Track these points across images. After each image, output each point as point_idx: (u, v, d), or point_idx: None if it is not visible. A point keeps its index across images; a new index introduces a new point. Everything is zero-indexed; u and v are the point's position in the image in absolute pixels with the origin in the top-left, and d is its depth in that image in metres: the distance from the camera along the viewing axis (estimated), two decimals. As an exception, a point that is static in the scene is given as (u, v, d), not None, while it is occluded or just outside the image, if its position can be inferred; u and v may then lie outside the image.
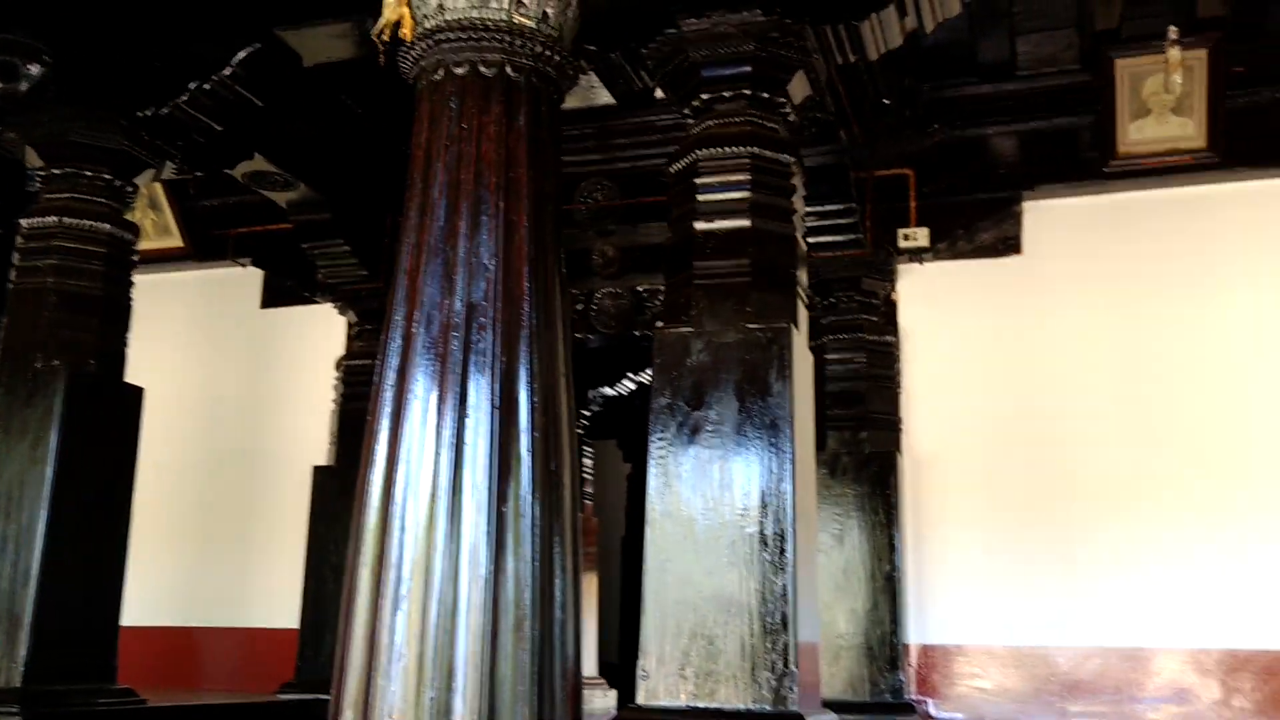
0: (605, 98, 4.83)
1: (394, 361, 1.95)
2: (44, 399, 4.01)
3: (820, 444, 4.99)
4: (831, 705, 3.73)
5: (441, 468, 1.85)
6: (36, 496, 3.93)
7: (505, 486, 1.85)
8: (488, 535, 1.82)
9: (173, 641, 6.12)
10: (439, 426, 1.87)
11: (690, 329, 3.55)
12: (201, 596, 6.25)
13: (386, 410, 1.93)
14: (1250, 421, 5.09)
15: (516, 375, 1.92)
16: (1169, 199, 5.41)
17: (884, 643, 5.09)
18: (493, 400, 1.88)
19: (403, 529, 1.84)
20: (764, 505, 3.35)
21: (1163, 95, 5.18)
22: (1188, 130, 5.19)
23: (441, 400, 1.88)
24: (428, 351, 1.92)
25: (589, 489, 7.67)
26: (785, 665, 3.21)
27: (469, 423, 1.87)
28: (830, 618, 5.02)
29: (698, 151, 3.65)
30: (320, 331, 6.35)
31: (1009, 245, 5.56)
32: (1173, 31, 4.69)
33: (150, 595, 5.78)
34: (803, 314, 3.72)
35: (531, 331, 1.95)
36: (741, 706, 3.20)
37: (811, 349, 3.90)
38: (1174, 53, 4.68)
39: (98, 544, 4.12)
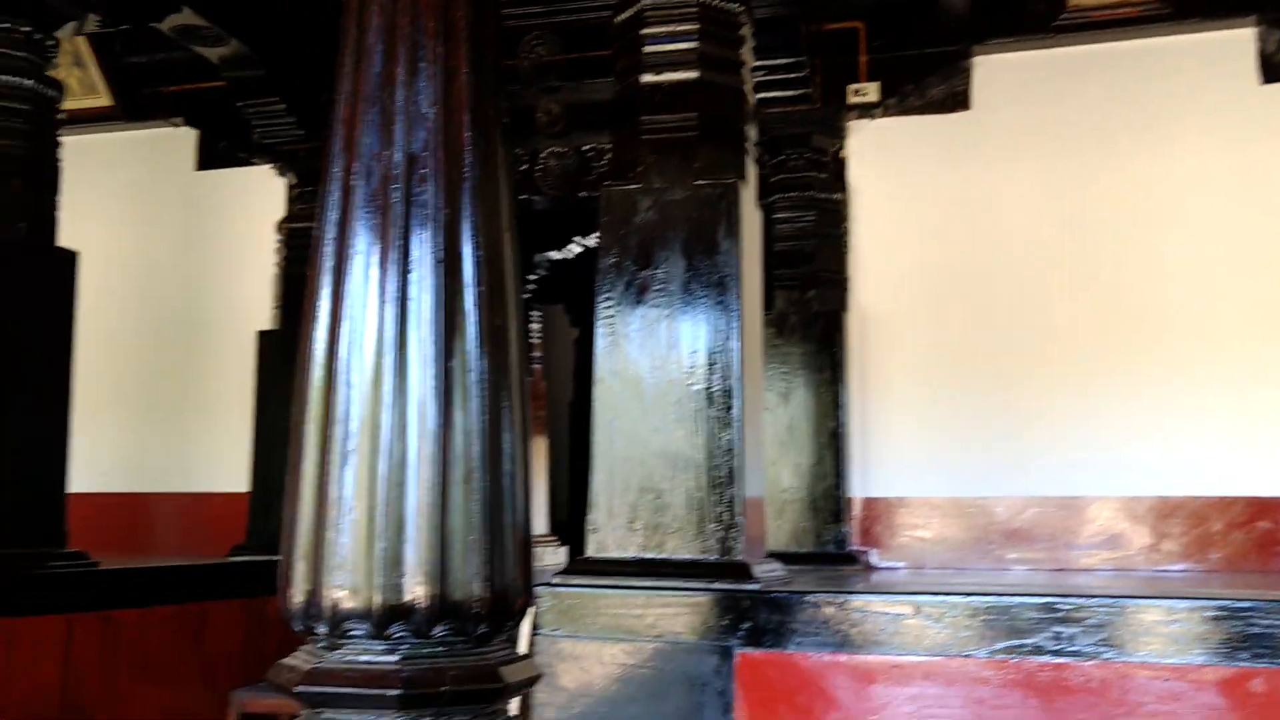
0: (548, -55, 4.67)
1: (333, 216, 1.90)
2: (-27, 263, 3.90)
3: (768, 303, 5.01)
4: (777, 556, 3.83)
5: (386, 324, 1.82)
6: (-28, 363, 3.85)
7: (451, 342, 1.83)
8: (435, 390, 1.80)
9: (122, 507, 6.11)
10: (382, 282, 1.83)
11: (637, 186, 3.51)
12: (149, 463, 6.23)
13: (328, 266, 1.88)
14: (1193, 275, 5.17)
15: (460, 228, 1.88)
16: (1119, 52, 5.37)
17: (828, 496, 5.21)
18: (436, 254, 1.84)
19: (349, 385, 1.82)
20: (711, 363, 3.37)
21: (1113, -55, 5.10)
22: (1139, -18, 5.13)
23: (384, 255, 1.84)
24: (368, 205, 1.87)
25: (536, 354, 7.68)
26: (732, 518, 3.28)
27: (412, 277, 1.83)
28: (775, 473, 5.12)
29: (644, 0, 3.55)
30: (259, 194, 6.19)
31: (958, 100, 5.51)
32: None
33: (98, 462, 5.75)
34: (751, 170, 3.68)
35: (474, 184, 1.90)
36: (689, 557, 3.28)
37: (760, 208, 3.87)
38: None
39: (38, 409, 4.07)
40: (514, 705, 3.58)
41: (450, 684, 1.79)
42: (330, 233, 1.90)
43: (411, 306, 1.83)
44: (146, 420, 6.27)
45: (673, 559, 3.29)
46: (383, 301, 1.83)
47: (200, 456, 6.19)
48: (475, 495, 1.82)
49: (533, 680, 1.96)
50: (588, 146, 5.60)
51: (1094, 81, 5.39)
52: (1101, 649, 2.87)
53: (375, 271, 1.85)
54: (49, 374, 4.13)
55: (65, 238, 4.30)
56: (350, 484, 1.80)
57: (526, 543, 1.93)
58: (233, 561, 5.23)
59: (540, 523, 7.32)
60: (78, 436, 4.27)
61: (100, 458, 5.88)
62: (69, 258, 4.26)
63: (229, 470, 5.92)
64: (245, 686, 4.51)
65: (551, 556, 6.52)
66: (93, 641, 4.00)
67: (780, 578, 3.44)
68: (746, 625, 3.11)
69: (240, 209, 6.32)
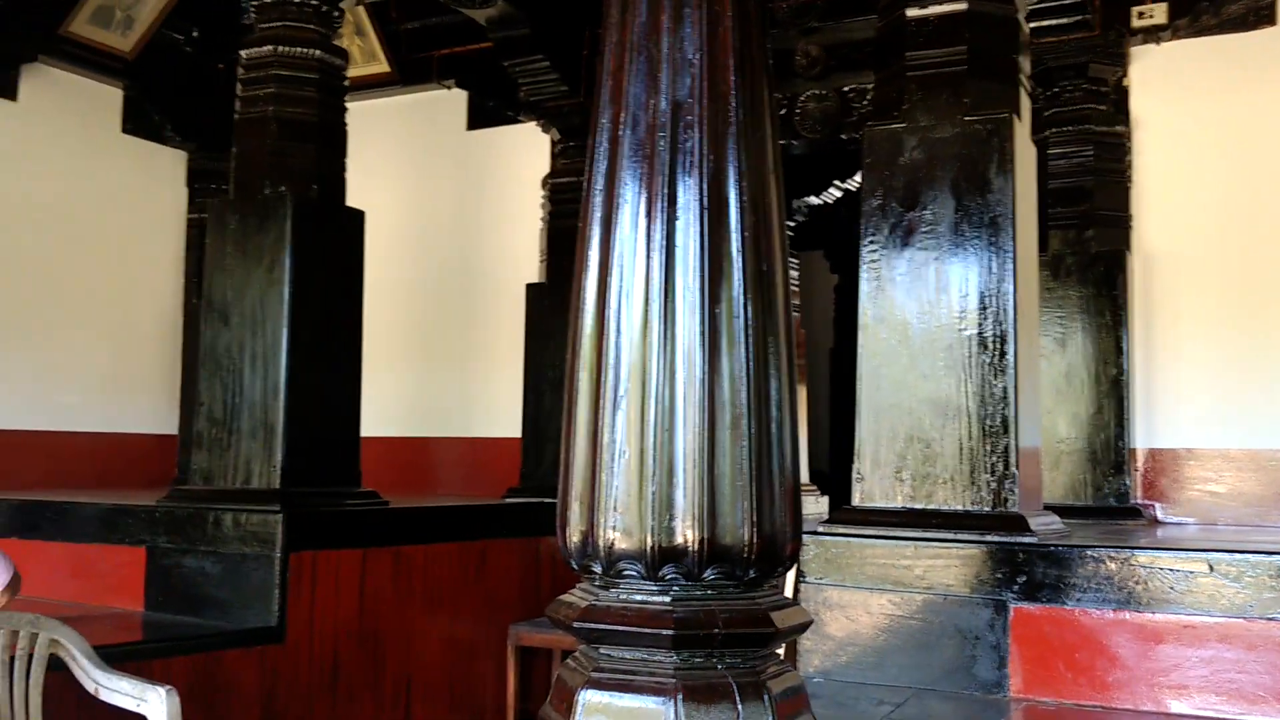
0: (806, -117, 4.56)
1: (601, 167, 1.93)
2: (275, 224, 4.23)
3: (1042, 244, 4.76)
4: (1053, 510, 3.66)
5: (653, 271, 1.84)
6: (277, 315, 4.18)
7: (717, 288, 1.83)
8: (701, 336, 1.81)
9: (408, 451, 6.52)
10: (649, 230, 1.84)
11: (902, 124, 3.39)
12: (430, 409, 6.61)
13: (597, 216, 1.92)
14: None
15: (724, 174, 1.87)
16: None
17: (1109, 447, 4.93)
18: (701, 201, 1.84)
19: (619, 332, 1.85)
20: (983, 307, 3.23)
21: None
22: None
23: (650, 203, 1.85)
24: (634, 154, 1.88)
25: (796, 302, 7.62)
26: (1005, 468, 3.15)
27: (679, 225, 1.84)
28: (1051, 423, 4.88)
29: (908, -69, 3.41)
30: (526, 151, 6.41)
31: (1262, 16, 5.02)
32: None
33: (384, 409, 6.15)
34: (1025, 103, 3.49)
35: (739, 129, 1.88)
36: (960, 508, 3.18)
37: (1034, 143, 3.67)
38: None
39: (334, 358, 4.38)
40: (780, 652, 3.60)
41: (722, 626, 1.81)
42: (599, 183, 1.93)
43: (678, 254, 1.84)
44: (428, 369, 6.65)
45: (942, 510, 3.20)
46: (649, 249, 1.85)
47: (477, 403, 6.52)
48: (742, 441, 1.82)
49: (803, 626, 1.96)
50: (848, 87, 5.47)
51: None
52: None
53: (643, 220, 1.86)
54: (342, 327, 4.44)
55: (352, 198, 4.60)
56: (621, 428, 1.83)
57: (795, 489, 1.92)
58: (509, 503, 5.49)
59: (802, 471, 7.30)
60: (367, 386, 4.58)
61: (388, 405, 6.29)
62: (357, 217, 4.55)
63: (503, 416, 6.20)
64: (522, 621, 4.75)
65: (813, 506, 6.50)
66: (384, 574, 4.31)
67: (1058, 531, 3.29)
68: (1022, 579, 2.99)
69: (508, 166, 6.56)
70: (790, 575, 3.78)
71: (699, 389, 1.81)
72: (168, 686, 3.04)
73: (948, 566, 3.08)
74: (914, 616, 3.10)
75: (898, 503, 3.27)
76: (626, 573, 1.85)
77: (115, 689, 3.08)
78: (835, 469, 6.96)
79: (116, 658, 3.25)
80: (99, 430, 6.51)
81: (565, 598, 1.96)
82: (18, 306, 6.20)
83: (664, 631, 1.80)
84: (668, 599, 1.82)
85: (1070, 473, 4.97)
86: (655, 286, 1.84)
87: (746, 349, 1.84)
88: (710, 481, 1.81)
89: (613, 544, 1.83)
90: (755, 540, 1.83)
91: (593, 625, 1.86)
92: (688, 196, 1.85)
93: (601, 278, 1.89)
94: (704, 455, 1.80)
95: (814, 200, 7.33)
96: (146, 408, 6.76)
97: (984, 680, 3.00)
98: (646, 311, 1.84)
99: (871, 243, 3.39)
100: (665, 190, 1.86)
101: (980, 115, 3.30)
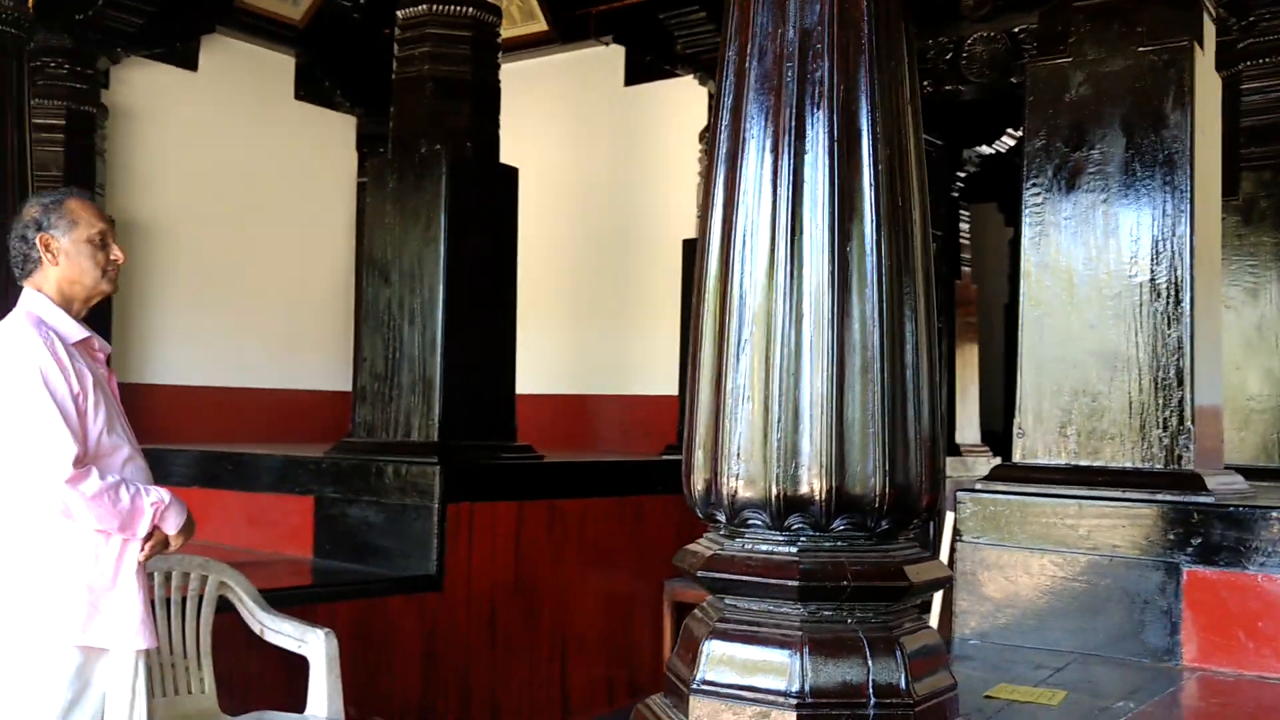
0: None
1: (727, 101, 1.86)
2: (431, 182, 4.30)
3: (1231, 187, 4.42)
4: (1239, 471, 3.39)
5: (780, 209, 1.76)
6: (433, 272, 4.26)
7: (848, 224, 1.74)
8: (830, 276, 1.73)
9: (565, 408, 6.59)
10: (775, 166, 1.76)
11: (1068, 59, 3.18)
12: (587, 366, 6.65)
13: (722, 153, 1.85)
14: None
15: (856, 106, 1.77)
16: None
17: (1305, 405, 4.56)
18: (831, 134, 1.75)
19: (743, 273, 1.79)
20: (1156, 252, 3.02)
21: None
22: None
23: (776, 138, 1.77)
24: (760, 86, 1.80)
25: (967, 255, 7.35)
26: (1180, 423, 2.94)
27: (807, 159, 1.75)
28: (1239, 379, 4.55)
29: None
30: (683, 105, 6.34)
31: None
32: None
33: (540, 366, 6.21)
34: (1209, 31, 3.22)
35: (871, 57, 1.78)
36: (1129, 465, 2.99)
37: (1222, 77, 3.39)
38: None
39: (489, 315, 4.44)
40: (934, 613, 3.48)
41: (851, 579, 1.74)
42: (724, 119, 1.86)
43: (806, 190, 1.76)
44: (585, 327, 6.69)
45: (1110, 467, 3.01)
46: (775, 186, 1.77)
47: (634, 361, 6.53)
48: (874, 386, 1.73)
49: (941, 582, 1.87)
50: (1018, 28, 5.20)
51: None
52: None
53: (768, 156, 1.79)
54: (497, 283, 4.49)
55: (509, 156, 4.63)
56: (746, 373, 1.77)
57: (934, 438, 1.82)
58: (665, 459, 5.48)
59: (971, 432, 7.07)
60: (523, 343, 4.63)
61: (545, 362, 6.36)
62: (511, 174, 4.59)
63: (662, 373, 6.19)
64: (677, 577, 4.73)
65: (985, 467, 6.26)
66: (540, 526, 4.36)
67: (1239, 491, 3.05)
68: (1197, 541, 2.79)
69: (666, 121, 6.51)
70: (946, 534, 3.64)
71: (827, 332, 1.73)
72: (326, 630, 3.15)
73: (1115, 526, 2.90)
74: (1077, 579, 2.94)
75: (1061, 459, 3.09)
76: (751, 522, 1.79)
77: (279, 630, 3.21)
78: (1009, 427, 6.69)
79: (284, 601, 3.38)
80: (278, 387, 6.81)
81: (691, 546, 1.92)
82: (203, 270, 6.52)
83: (790, 582, 1.74)
84: (794, 549, 1.76)
85: (1261, 433, 4.62)
86: (781, 225, 1.76)
87: (879, 290, 1.75)
88: (838, 429, 1.73)
89: (736, 492, 1.78)
90: (888, 490, 1.74)
91: (717, 575, 1.82)
92: (816, 130, 1.76)
93: (726, 217, 1.83)
94: (832, 401, 1.72)
95: (985, 150, 7.02)
96: (321, 365, 7.03)
97: (1154, 647, 2.82)
98: (773, 251, 1.76)
99: (1034, 186, 3.20)
100: (793, 124, 1.78)
101: (1156, 45, 3.06)
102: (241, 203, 6.70)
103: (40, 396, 2.32)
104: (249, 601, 3.26)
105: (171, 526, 2.46)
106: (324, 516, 4.32)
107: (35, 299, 2.45)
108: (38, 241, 2.44)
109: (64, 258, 2.45)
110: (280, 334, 6.89)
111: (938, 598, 3.40)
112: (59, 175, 5.55)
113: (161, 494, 2.45)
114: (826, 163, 1.75)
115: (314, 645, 3.14)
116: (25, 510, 2.37)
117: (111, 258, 2.51)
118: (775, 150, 1.78)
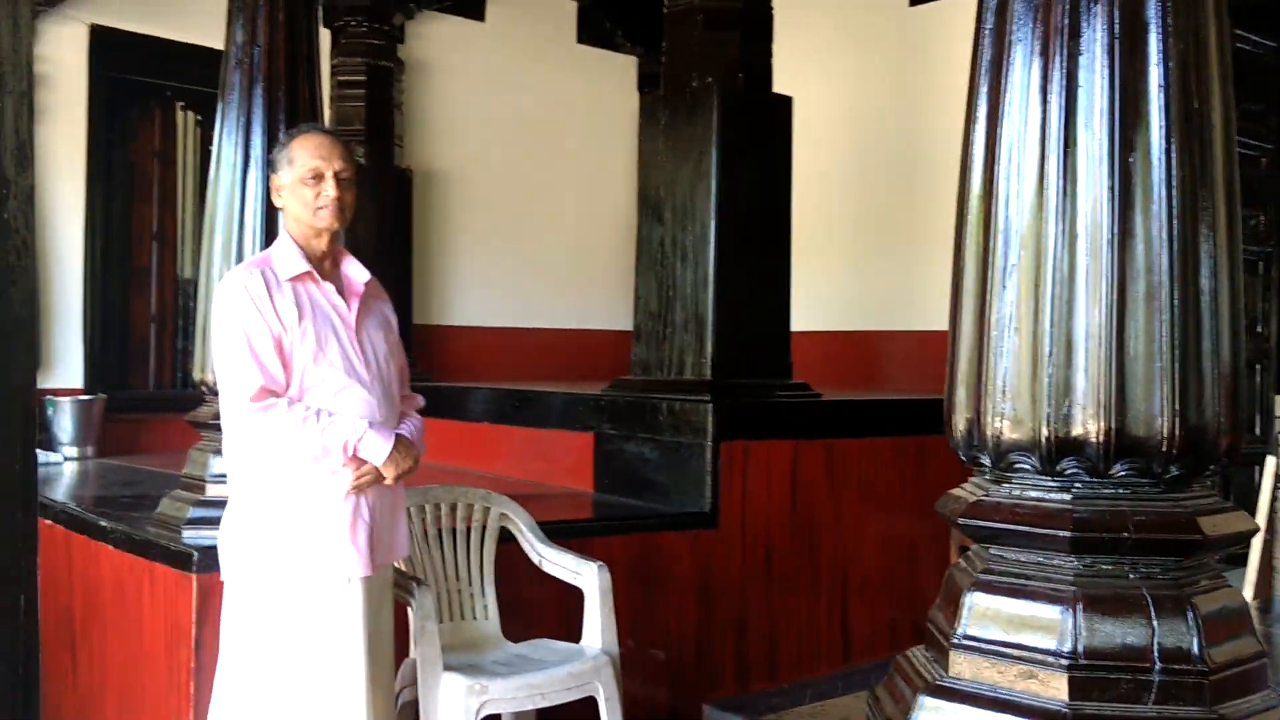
0: None
1: (990, 2, 1.68)
2: (702, 116, 4.23)
3: None
4: None
5: (1050, 118, 1.58)
6: (705, 208, 4.21)
7: (1131, 133, 1.54)
8: (1110, 191, 1.54)
9: (846, 345, 6.41)
10: (1045, 70, 1.58)
11: None
12: (870, 302, 6.44)
13: (985, 59, 1.68)
14: None
15: (1143, -6, 1.55)
16: None
17: None
18: (1111, 29, 1.54)
19: (1009, 191, 1.62)
20: None
21: None
22: None
23: (1046, 38, 1.58)
24: (1028, -17, 1.62)
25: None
26: None
27: (1082, 61, 1.56)
28: None
29: None
30: (972, 25, 5.95)
31: None
32: None
33: (818, 302, 6.06)
34: None
35: (1161, -64, 1.55)
36: None
37: None
38: None
39: (763, 250, 4.35)
40: (1250, 570, 3.14)
41: (1133, 530, 1.56)
42: (988, 21, 1.69)
43: (1080, 95, 1.57)
44: (867, 261, 6.47)
45: None
46: (1046, 93, 1.59)
47: (925, 295, 6.25)
48: (1161, 315, 1.54)
49: (1243, 535, 1.65)
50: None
51: None
52: None
53: (1037, 60, 1.60)
54: (771, 218, 4.39)
55: (783, 85, 4.50)
56: (1011, 303, 1.61)
57: (1235, 373, 1.60)
58: (951, 398, 5.23)
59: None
60: (800, 279, 4.51)
61: (823, 298, 6.20)
62: (784, 104, 4.45)
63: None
64: (962, 521, 4.52)
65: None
66: (816, 466, 4.26)
67: None
68: None
69: (953, 43, 6.12)
70: (1267, 481, 3.27)
71: (1106, 255, 1.54)
72: (599, 563, 3.21)
73: None
74: None
75: None
76: (1018, 465, 1.64)
77: (556, 561, 3.30)
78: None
79: (562, 534, 3.47)
80: (564, 327, 7.03)
81: (955, 491, 1.79)
82: (494, 216, 6.79)
83: (1062, 533, 1.58)
84: (1067, 496, 1.60)
85: None
86: (1053, 136, 1.58)
87: (1169, 206, 1.54)
88: (1118, 363, 1.54)
89: (1001, 433, 1.63)
90: (1178, 432, 1.55)
91: (980, 523, 1.68)
92: (1093, 26, 1.56)
93: (990, 130, 1.67)
94: (1111, 333, 1.54)
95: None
96: (607, 305, 7.19)
97: None
98: (1042, 166, 1.59)
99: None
100: (1066, 21, 1.58)
101: None
102: (528, 149, 6.90)
103: (230, 330, 2.40)
104: (528, 533, 3.36)
105: (376, 457, 2.42)
106: (603, 452, 4.41)
107: (279, 236, 2.57)
108: (271, 182, 2.57)
109: (286, 195, 2.54)
110: (567, 276, 7.09)
111: (1255, 553, 3.07)
112: (360, 129, 5.90)
113: (357, 426, 2.41)
114: (1105, 63, 1.55)
115: (588, 577, 3.20)
116: (237, 443, 2.46)
117: (321, 195, 2.48)
118: (1045, 53, 1.59)
